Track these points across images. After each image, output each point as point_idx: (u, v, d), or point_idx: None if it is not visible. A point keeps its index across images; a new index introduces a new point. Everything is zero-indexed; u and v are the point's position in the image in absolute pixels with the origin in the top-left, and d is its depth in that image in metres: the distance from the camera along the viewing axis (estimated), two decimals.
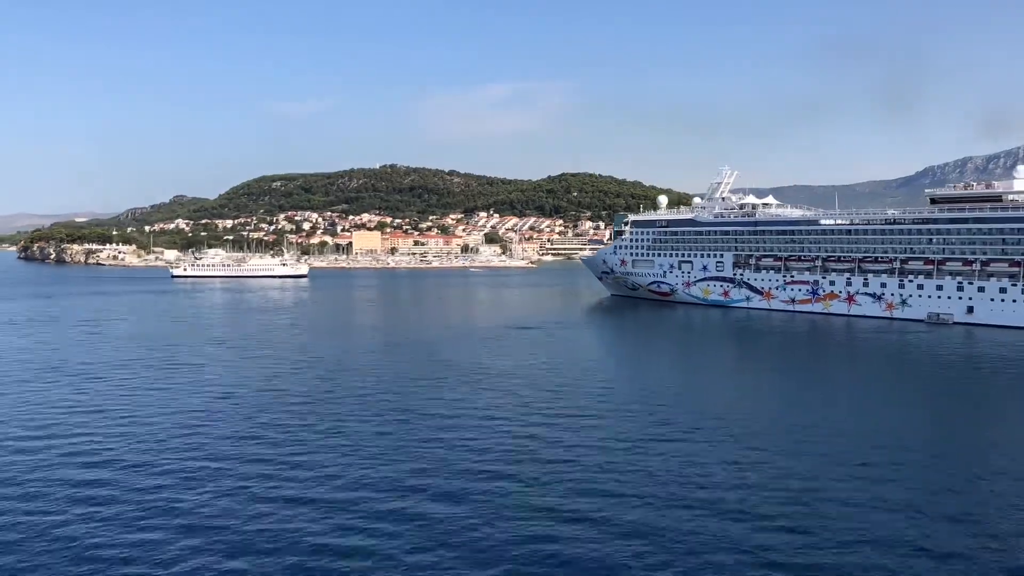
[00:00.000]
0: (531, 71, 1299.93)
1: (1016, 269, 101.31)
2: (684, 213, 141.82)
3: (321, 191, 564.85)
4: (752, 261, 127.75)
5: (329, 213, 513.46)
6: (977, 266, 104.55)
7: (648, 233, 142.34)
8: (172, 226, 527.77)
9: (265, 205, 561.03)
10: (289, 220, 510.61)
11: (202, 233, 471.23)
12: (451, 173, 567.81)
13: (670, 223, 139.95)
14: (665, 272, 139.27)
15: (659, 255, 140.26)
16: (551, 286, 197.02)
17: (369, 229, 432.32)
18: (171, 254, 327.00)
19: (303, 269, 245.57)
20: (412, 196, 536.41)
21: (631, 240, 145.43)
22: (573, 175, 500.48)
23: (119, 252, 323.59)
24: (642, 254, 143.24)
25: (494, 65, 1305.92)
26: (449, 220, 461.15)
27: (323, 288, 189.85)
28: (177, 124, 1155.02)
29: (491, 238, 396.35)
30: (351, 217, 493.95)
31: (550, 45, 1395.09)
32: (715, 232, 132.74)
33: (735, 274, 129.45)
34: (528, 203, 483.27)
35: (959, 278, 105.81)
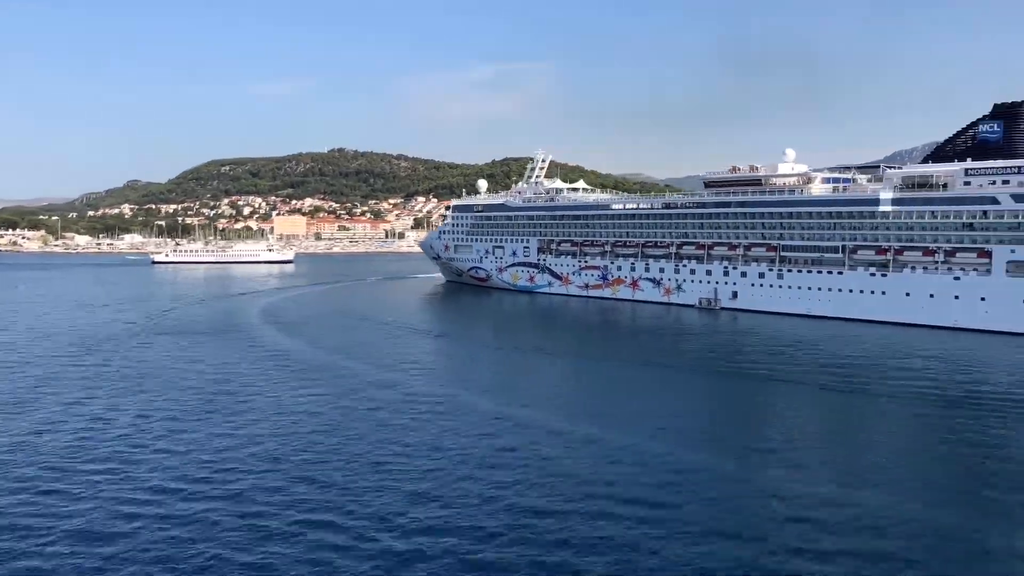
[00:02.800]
0: (518, 51, 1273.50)
1: (773, 254, 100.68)
2: (499, 198, 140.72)
3: (268, 175, 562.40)
4: (553, 247, 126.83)
5: (273, 198, 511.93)
6: (741, 251, 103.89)
7: (467, 218, 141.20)
8: (116, 211, 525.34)
9: (212, 190, 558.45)
10: (232, 205, 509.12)
11: (139, 218, 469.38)
12: (399, 157, 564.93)
13: (485, 208, 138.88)
14: (481, 257, 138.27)
15: (476, 240, 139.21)
16: (413, 275, 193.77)
17: (304, 214, 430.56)
18: (82, 239, 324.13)
19: (289, 255, 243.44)
20: (358, 180, 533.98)
21: (452, 225, 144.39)
22: (515, 159, 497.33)
23: (21, 238, 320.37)
24: (462, 239, 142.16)
25: (479, 44, 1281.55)
26: (385, 205, 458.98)
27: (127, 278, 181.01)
28: (143, 105, 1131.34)
29: (420, 223, 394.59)
30: (293, 202, 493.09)
31: (539, 24, 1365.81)
32: (522, 217, 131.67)
33: (539, 259, 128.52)
34: (470, 187, 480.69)
35: (726, 263, 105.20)
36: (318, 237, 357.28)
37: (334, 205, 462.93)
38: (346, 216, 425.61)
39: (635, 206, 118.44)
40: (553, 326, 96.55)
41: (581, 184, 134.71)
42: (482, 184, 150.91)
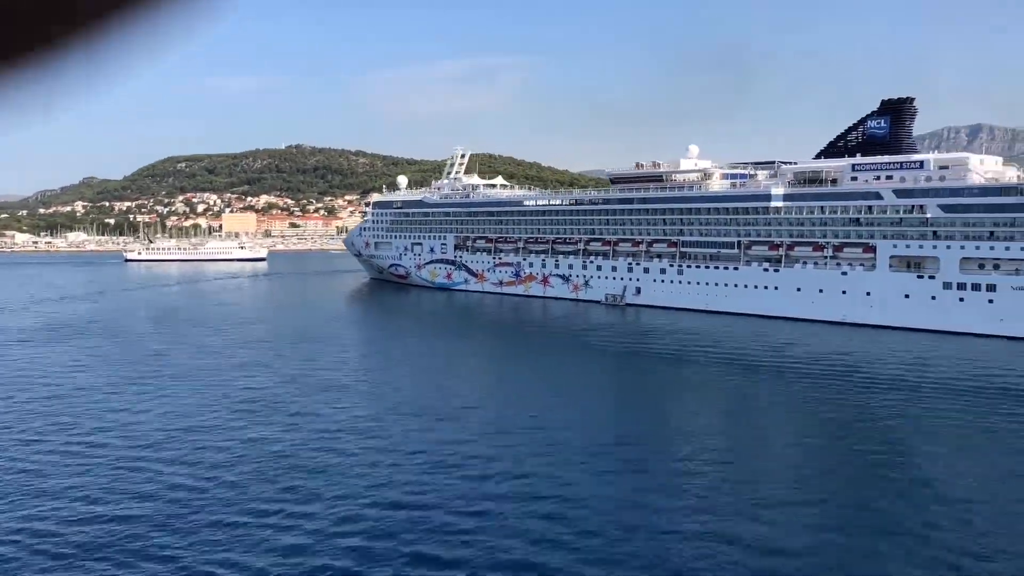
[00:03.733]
0: (490, 45, 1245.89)
1: (674, 250, 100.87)
2: (418, 194, 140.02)
3: (225, 172, 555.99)
4: (469, 243, 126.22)
5: (228, 195, 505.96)
6: (644, 247, 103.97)
7: (387, 214, 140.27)
8: (68, 208, 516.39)
9: (168, 187, 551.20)
10: (186, 202, 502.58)
11: (90, 216, 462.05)
12: (357, 153, 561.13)
13: (404, 204, 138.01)
14: (400, 254, 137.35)
15: (396, 237, 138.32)
16: (347, 271, 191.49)
17: (257, 211, 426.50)
18: (22, 238, 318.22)
19: (262, 252, 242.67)
20: (315, 177, 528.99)
21: (373, 221, 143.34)
22: (473, 155, 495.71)
23: None
24: (382, 236, 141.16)
25: (450, 38, 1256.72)
26: (340, 202, 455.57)
27: None
28: (105, 99, 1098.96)
29: None
30: (249, 199, 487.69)
31: (512, 19, 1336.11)
32: (439, 214, 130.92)
33: (456, 256, 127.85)
34: (424, 183, 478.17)
35: (630, 259, 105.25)
36: (267, 234, 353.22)
37: (289, 202, 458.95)
38: (299, 213, 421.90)
39: (546, 202, 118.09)
40: (448, 324, 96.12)
41: (499, 180, 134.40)
42: (402, 180, 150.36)
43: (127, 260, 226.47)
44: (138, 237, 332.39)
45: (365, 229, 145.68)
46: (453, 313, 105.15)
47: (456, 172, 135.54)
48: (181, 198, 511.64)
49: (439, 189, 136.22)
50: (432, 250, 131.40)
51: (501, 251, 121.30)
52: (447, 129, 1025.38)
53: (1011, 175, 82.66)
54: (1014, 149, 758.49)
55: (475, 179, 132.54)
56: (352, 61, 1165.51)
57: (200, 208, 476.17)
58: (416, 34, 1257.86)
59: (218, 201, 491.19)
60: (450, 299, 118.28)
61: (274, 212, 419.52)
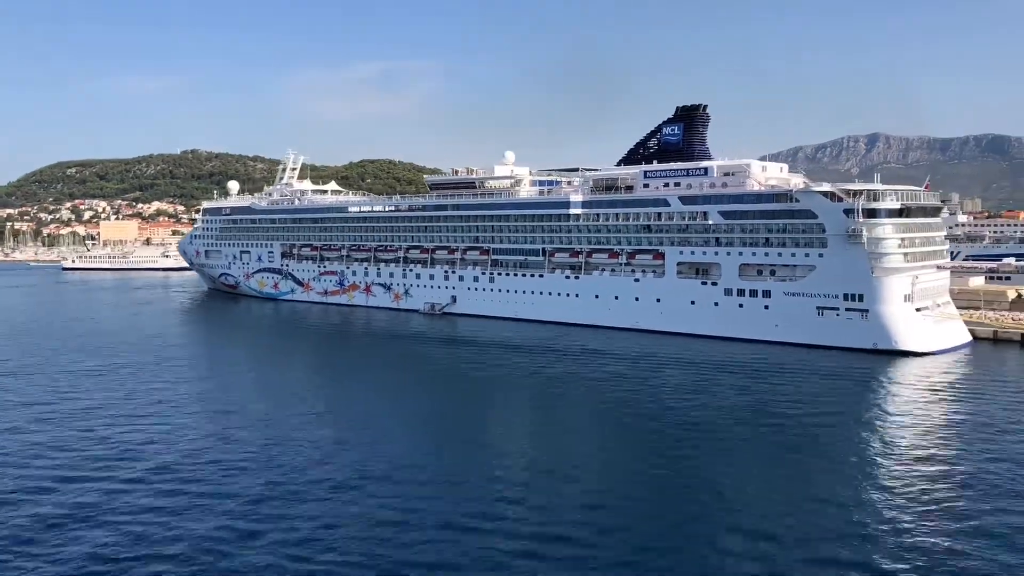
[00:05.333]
0: (402, 49, 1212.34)
1: (486, 257, 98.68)
2: (247, 200, 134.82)
3: (116, 178, 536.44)
4: (295, 251, 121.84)
5: (119, 202, 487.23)
6: (459, 255, 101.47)
7: (216, 222, 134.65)
8: None
9: (55, 193, 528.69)
10: (73, 209, 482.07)
11: None
12: (255, 159, 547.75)
13: (233, 211, 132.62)
14: (230, 263, 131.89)
15: (225, 245, 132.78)
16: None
17: (144, 218, 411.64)
18: None
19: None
20: (211, 183, 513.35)
21: (204, 229, 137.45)
22: (372, 161, 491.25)
23: None
24: (212, 244, 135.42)
25: (364, 41, 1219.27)
26: None
27: None
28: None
29: None
30: (140, 205, 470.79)
31: (429, 23, 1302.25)
32: (266, 221, 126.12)
33: (283, 265, 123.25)
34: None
35: (447, 267, 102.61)
36: (147, 242, 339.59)
37: (180, 209, 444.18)
38: (186, 220, 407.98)
39: (368, 209, 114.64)
40: (257, 340, 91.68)
41: (331, 186, 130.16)
42: (233, 185, 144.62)
43: (64, 269, 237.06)
44: (3, 246, 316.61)
45: (196, 237, 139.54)
46: (271, 326, 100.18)
47: (288, 177, 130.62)
48: (68, 205, 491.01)
49: (269, 195, 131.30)
50: (260, 258, 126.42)
51: (326, 259, 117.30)
52: (354, 134, 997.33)
53: (796, 182, 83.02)
54: (908, 157, 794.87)
55: (306, 184, 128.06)
56: (258, 62, 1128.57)
57: (87, 215, 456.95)
58: (325, 35, 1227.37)
59: (107, 208, 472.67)
60: (276, 310, 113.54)
61: (162, 219, 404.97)
